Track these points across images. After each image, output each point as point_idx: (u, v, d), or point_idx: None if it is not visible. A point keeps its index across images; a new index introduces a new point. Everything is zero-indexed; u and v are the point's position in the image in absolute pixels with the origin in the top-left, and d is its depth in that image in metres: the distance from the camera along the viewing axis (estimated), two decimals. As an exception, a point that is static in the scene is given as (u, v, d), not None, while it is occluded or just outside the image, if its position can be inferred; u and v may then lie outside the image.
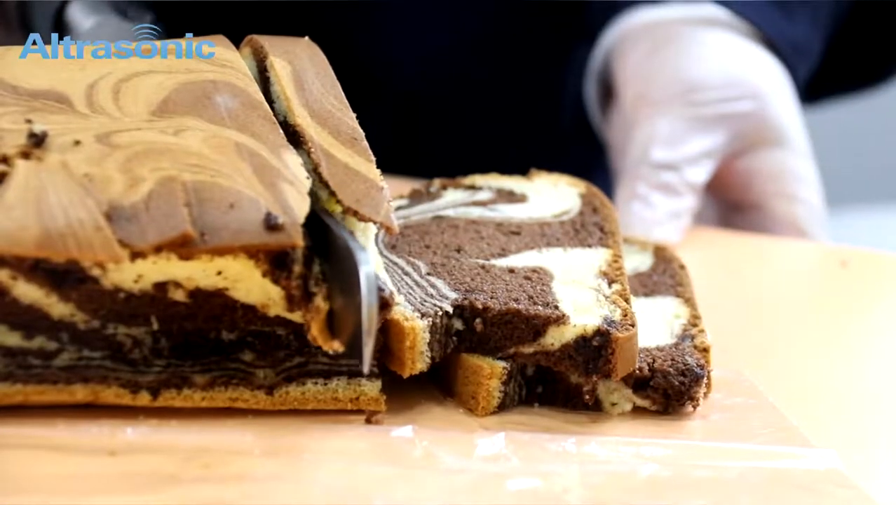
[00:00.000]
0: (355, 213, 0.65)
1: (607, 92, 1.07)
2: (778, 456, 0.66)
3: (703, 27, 1.02)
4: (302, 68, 0.71)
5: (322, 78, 0.71)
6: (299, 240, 0.62)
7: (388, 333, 0.66)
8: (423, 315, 0.66)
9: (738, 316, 0.83)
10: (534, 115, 1.22)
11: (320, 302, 0.63)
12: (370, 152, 0.68)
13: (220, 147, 0.65)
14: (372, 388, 0.66)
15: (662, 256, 0.82)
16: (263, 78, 0.72)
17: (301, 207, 0.63)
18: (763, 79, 1.00)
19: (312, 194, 0.64)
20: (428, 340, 0.66)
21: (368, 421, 0.66)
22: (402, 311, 0.66)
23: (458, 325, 0.68)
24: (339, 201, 0.65)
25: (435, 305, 0.67)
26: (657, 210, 0.96)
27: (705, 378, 0.69)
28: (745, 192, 1.03)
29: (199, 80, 0.69)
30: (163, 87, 0.68)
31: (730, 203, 1.04)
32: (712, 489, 0.63)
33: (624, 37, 1.04)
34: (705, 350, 0.70)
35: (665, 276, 0.79)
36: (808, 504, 0.62)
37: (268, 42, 0.73)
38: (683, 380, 0.68)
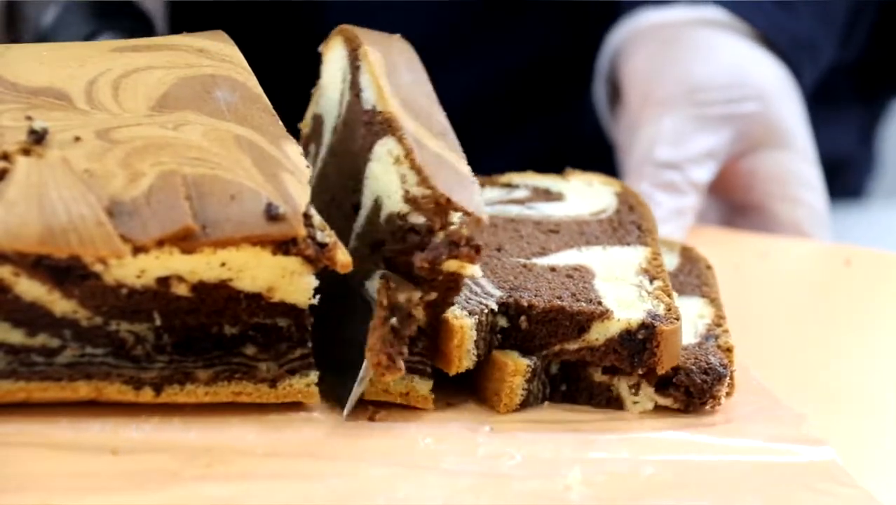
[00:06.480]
0: (447, 202, 0.64)
1: (615, 93, 1.07)
2: (781, 454, 0.66)
3: (708, 29, 1.02)
4: (394, 62, 0.71)
5: (414, 74, 0.71)
6: (301, 229, 0.62)
7: (438, 331, 0.66)
8: (469, 313, 0.66)
9: (742, 314, 0.83)
10: (557, 117, 1.22)
11: (335, 242, 0.63)
12: (461, 149, 0.67)
13: (220, 140, 0.65)
14: (423, 386, 0.66)
15: (689, 256, 0.82)
16: (354, 67, 0.71)
17: (301, 196, 0.63)
18: (767, 80, 1.00)
19: (401, 178, 0.65)
20: (475, 338, 0.66)
21: (371, 419, 0.66)
22: (451, 309, 0.66)
23: (502, 322, 0.68)
24: (431, 187, 0.65)
25: (480, 303, 0.67)
26: (661, 208, 0.95)
27: (728, 377, 0.69)
28: (747, 194, 1.02)
29: (198, 75, 0.69)
30: (162, 82, 0.68)
31: (732, 205, 1.04)
32: (714, 488, 0.62)
33: (630, 38, 1.04)
34: (729, 350, 0.70)
35: (691, 276, 0.79)
36: (811, 502, 0.62)
37: (361, 33, 0.72)
38: (706, 378, 0.68)
